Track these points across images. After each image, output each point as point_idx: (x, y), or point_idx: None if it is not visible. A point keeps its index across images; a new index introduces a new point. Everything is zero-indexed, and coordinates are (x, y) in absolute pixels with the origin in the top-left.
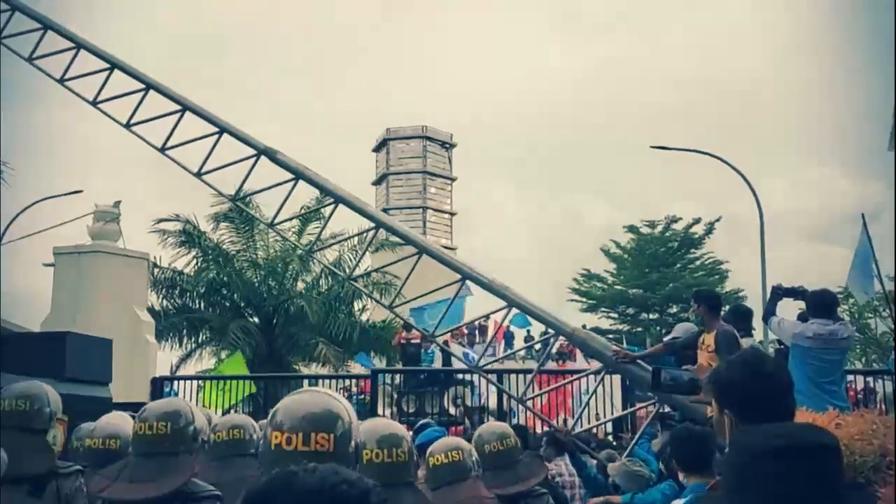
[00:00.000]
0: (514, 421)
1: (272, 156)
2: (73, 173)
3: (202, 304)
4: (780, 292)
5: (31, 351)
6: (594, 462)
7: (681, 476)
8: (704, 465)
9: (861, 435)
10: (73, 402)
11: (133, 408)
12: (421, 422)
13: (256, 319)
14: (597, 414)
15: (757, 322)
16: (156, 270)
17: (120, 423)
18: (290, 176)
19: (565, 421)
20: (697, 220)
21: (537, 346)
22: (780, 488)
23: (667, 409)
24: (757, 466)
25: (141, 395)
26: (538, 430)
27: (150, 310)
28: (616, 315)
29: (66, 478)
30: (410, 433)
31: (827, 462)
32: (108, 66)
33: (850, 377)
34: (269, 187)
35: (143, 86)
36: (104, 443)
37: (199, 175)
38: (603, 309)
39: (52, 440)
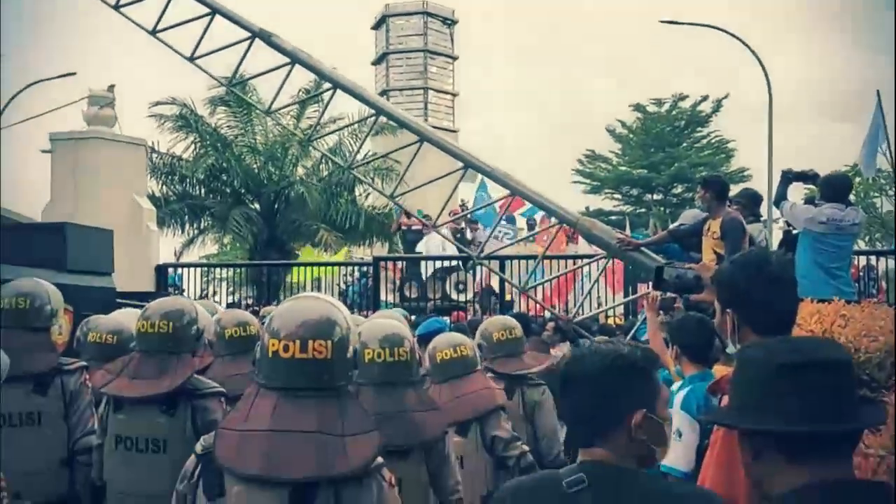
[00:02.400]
0: (517, 308)
1: (266, 38)
2: (65, 57)
3: (202, 191)
4: (790, 176)
5: (30, 242)
6: None
7: (677, 364)
8: (703, 355)
9: (867, 331)
10: (77, 292)
11: (138, 297)
12: (424, 319)
13: (257, 206)
14: (598, 300)
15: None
16: (154, 156)
17: (123, 319)
18: (287, 60)
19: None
20: (705, 98)
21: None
22: (795, 405)
23: (669, 295)
24: (770, 383)
25: (145, 282)
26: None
27: (151, 196)
28: (620, 196)
29: (71, 374)
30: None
31: (840, 378)
32: None
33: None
34: (265, 72)
35: None
36: (103, 338)
37: (192, 59)
38: (607, 190)
39: (57, 332)
